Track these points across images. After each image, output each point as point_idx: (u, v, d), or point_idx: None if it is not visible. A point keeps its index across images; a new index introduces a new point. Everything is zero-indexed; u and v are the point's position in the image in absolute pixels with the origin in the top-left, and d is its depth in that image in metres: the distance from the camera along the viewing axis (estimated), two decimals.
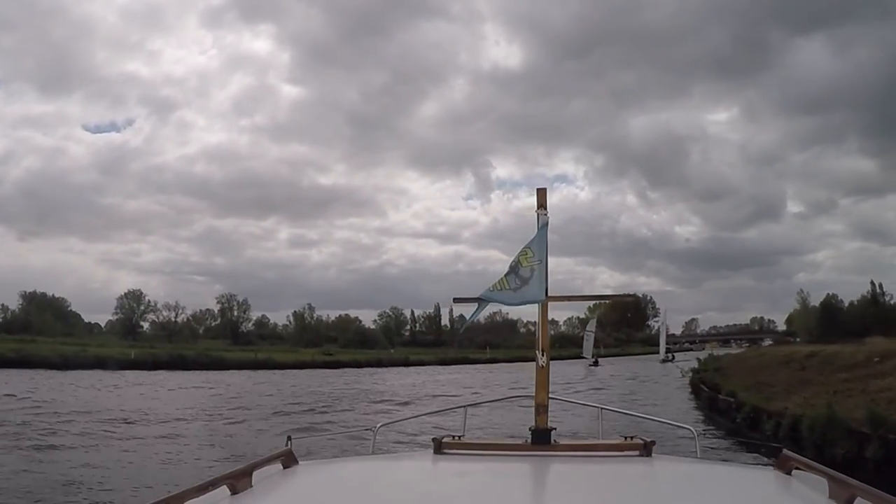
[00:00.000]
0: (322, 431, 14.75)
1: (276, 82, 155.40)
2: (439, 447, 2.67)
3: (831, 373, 16.94)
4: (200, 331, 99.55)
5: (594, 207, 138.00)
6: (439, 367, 68.54)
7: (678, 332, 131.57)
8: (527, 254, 2.77)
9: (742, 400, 16.65)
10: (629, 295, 3.64)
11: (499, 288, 2.74)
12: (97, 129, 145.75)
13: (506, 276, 2.75)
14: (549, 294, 2.88)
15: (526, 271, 2.72)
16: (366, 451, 3.34)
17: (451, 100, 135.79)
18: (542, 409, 2.77)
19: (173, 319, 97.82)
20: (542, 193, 3.03)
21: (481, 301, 2.79)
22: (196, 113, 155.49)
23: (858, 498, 1.64)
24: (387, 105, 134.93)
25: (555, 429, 2.71)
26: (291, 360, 65.90)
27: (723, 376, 24.07)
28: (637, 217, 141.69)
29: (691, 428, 3.28)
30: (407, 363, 72.97)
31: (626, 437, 2.69)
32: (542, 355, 2.87)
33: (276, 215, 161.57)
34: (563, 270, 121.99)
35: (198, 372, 48.76)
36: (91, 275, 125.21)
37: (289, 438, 2.54)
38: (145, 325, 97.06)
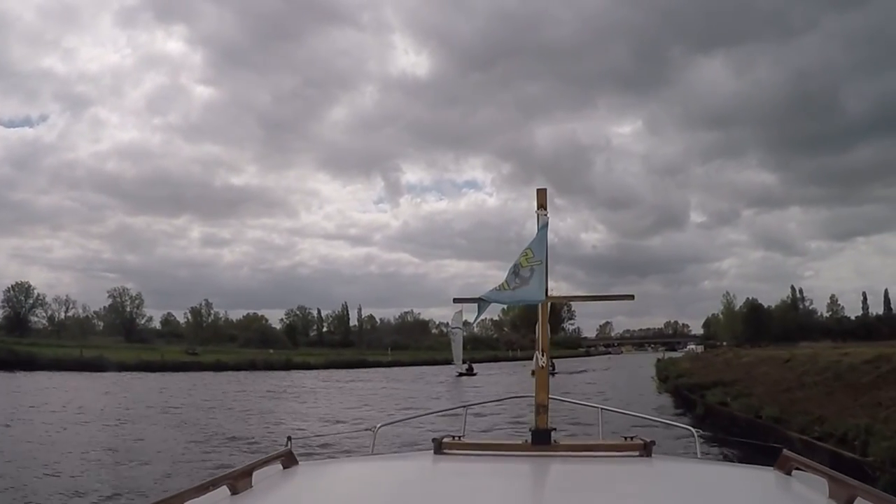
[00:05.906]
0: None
1: (188, 83, 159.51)
2: (439, 447, 2.74)
3: None
4: (100, 327, 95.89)
5: (502, 213, 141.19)
6: (325, 371, 61.89)
7: (592, 335, 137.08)
8: (527, 254, 2.88)
9: None
10: (628, 295, 3.82)
11: (499, 290, 2.86)
12: (10, 124, 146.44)
13: (507, 277, 2.87)
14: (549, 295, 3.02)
15: (526, 271, 2.83)
16: (366, 451, 3.41)
17: (360, 105, 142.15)
18: (542, 409, 2.88)
19: (63, 315, 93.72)
20: (542, 194, 3.10)
21: (482, 301, 2.91)
22: (110, 110, 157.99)
23: (858, 498, 1.70)
24: (298, 108, 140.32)
25: (555, 429, 2.83)
26: (132, 359, 58.59)
27: (764, 402, 15.69)
28: None
29: (691, 428, 3.46)
30: (289, 366, 66.96)
31: (626, 438, 2.82)
32: (542, 356, 3.00)
33: (189, 214, 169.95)
34: (475, 274, 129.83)
35: None
36: (1, 270, 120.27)
37: (289, 439, 2.61)
38: (42, 320, 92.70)
